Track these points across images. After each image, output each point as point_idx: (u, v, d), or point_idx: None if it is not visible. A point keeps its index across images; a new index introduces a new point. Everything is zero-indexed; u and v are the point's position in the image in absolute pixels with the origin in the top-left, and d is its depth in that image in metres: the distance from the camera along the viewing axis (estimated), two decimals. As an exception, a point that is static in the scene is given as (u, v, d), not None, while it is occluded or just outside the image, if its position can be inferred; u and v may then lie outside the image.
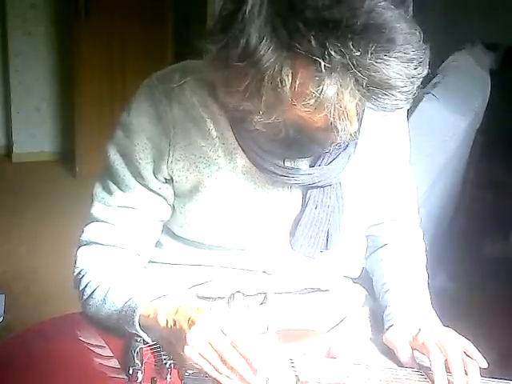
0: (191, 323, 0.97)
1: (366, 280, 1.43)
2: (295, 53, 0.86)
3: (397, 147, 1.24)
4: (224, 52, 0.90)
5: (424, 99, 2.52)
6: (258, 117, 0.94)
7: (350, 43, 0.83)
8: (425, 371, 1.08)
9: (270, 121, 0.94)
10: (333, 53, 0.83)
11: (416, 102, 2.51)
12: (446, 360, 1.06)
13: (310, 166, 1.12)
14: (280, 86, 0.88)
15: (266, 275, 1.20)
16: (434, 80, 2.72)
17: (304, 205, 1.14)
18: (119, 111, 1.16)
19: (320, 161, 1.11)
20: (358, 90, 0.87)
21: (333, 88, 0.86)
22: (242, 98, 0.93)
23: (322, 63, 0.84)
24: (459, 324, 1.21)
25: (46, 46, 4.82)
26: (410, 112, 2.49)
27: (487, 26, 3.79)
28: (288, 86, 0.88)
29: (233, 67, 0.90)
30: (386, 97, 0.87)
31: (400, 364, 1.12)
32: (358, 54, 0.83)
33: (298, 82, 0.87)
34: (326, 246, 1.17)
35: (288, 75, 0.87)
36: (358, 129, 1.11)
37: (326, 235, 1.16)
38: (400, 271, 1.27)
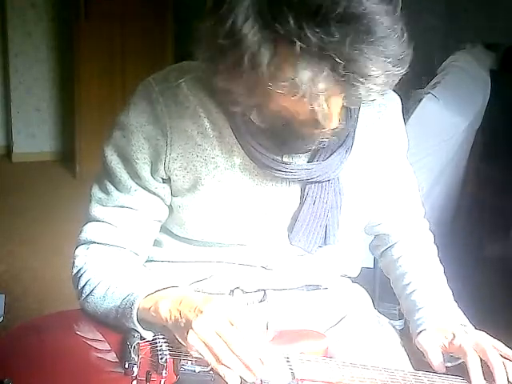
0: (198, 312, 0.98)
1: (365, 280, 1.43)
2: (276, 34, 0.87)
3: (395, 142, 1.24)
4: (213, 30, 0.92)
5: (424, 99, 2.52)
6: (241, 99, 0.96)
7: (329, 29, 0.85)
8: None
9: (252, 104, 0.96)
10: (309, 35, 0.85)
11: (416, 102, 2.51)
12: (485, 362, 1.08)
13: (308, 162, 1.12)
14: (258, 66, 0.89)
15: (265, 270, 1.20)
16: (434, 80, 2.72)
17: (302, 200, 1.15)
18: (119, 111, 1.16)
19: (317, 156, 1.12)
20: (334, 77, 0.88)
21: (308, 72, 0.87)
22: (225, 78, 0.95)
23: (298, 43, 0.85)
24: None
25: (46, 47, 4.82)
26: (409, 112, 2.50)
27: (487, 26, 3.79)
28: (265, 67, 0.89)
29: (218, 46, 0.92)
30: (361, 85, 0.89)
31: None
32: (336, 39, 0.85)
33: (275, 63, 0.89)
34: (325, 241, 1.17)
35: (265, 56, 0.88)
36: (353, 124, 1.13)
37: (324, 230, 1.16)
38: (421, 269, 1.27)
